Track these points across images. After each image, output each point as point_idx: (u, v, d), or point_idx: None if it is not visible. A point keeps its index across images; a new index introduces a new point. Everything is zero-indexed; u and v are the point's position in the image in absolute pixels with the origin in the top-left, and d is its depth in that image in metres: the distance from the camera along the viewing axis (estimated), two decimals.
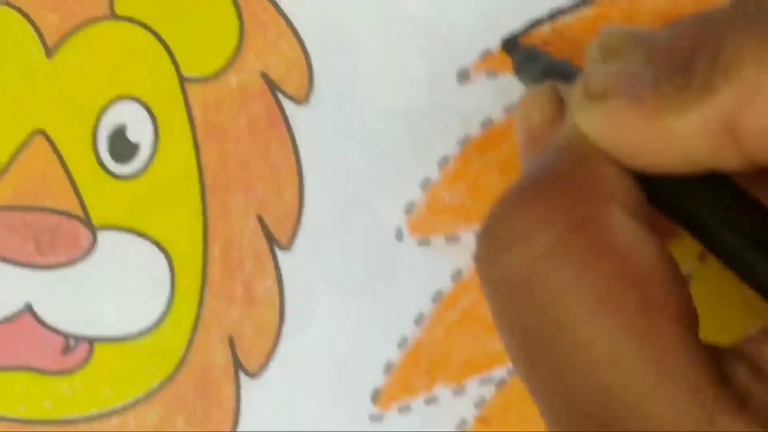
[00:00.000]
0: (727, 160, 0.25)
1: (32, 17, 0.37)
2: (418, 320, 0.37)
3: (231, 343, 0.37)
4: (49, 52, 0.37)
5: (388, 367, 0.37)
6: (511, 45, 0.36)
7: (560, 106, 0.29)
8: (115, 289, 0.37)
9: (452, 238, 0.37)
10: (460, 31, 0.37)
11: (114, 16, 0.37)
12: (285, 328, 0.37)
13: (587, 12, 0.37)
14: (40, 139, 0.37)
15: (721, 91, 0.24)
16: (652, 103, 0.25)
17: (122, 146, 0.37)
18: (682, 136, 0.25)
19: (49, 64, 0.37)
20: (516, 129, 0.30)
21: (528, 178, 0.26)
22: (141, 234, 0.37)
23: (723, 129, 0.24)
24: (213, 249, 0.37)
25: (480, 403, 0.37)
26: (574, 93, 0.27)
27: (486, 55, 0.37)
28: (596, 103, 0.26)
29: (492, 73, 0.37)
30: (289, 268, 0.37)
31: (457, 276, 0.37)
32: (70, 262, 0.37)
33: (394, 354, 0.37)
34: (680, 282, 0.25)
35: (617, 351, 0.23)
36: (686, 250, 0.36)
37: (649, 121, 0.25)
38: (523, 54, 0.35)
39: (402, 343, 0.37)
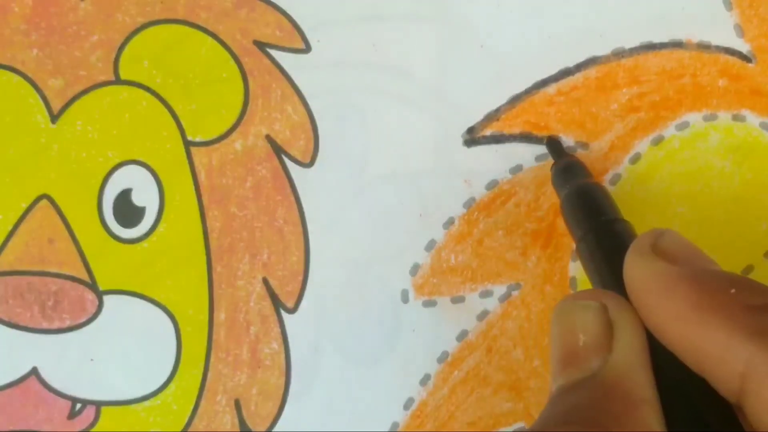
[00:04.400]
0: (724, 385, 0.25)
1: (37, 82, 0.37)
2: (424, 381, 0.37)
3: (237, 406, 0.37)
4: (53, 117, 0.37)
5: (394, 429, 0.37)
6: (554, 148, 0.36)
7: (609, 330, 0.27)
8: (121, 353, 0.37)
9: (457, 299, 0.37)
10: (465, 93, 0.37)
11: (119, 80, 0.37)
12: (291, 391, 0.37)
13: (593, 72, 0.37)
14: (45, 204, 0.37)
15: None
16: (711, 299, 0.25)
17: (128, 210, 0.37)
18: (714, 341, 0.25)
19: (53, 129, 0.37)
20: (552, 337, 0.29)
21: (567, 422, 0.25)
22: (147, 298, 0.37)
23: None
24: (219, 312, 0.37)
25: None
26: (641, 240, 0.28)
27: (492, 118, 0.37)
28: (661, 260, 0.27)
29: (498, 136, 0.37)
30: (295, 330, 0.37)
31: (462, 336, 0.37)
32: (76, 326, 0.37)
33: (399, 415, 0.37)
34: None
35: None
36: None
37: (695, 305, 0.25)
38: (563, 164, 0.35)
39: (407, 404, 0.37)
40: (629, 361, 0.26)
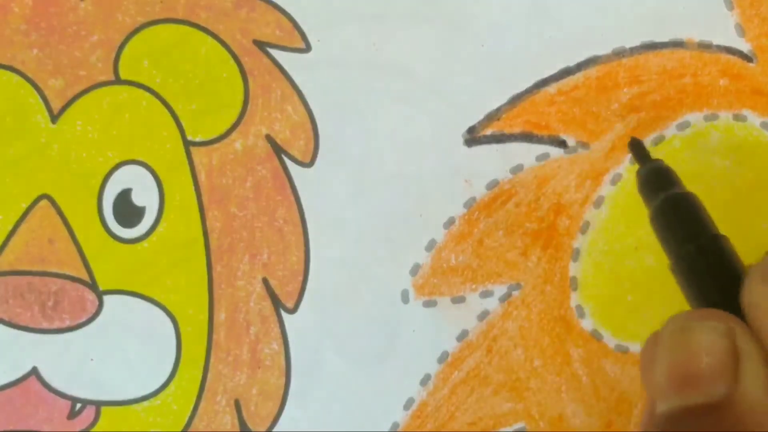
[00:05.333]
0: None
1: (37, 82, 0.37)
2: (424, 381, 0.37)
3: (237, 406, 0.37)
4: (53, 117, 0.37)
5: (394, 429, 0.37)
6: (639, 151, 0.35)
7: (735, 357, 0.25)
8: (122, 353, 0.37)
9: (458, 299, 0.37)
10: (465, 93, 0.37)
11: (119, 80, 0.37)
12: (291, 391, 0.37)
13: (593, 72, 0.37)
14: (45, 204, 0.37)
15: None
16: None
17: (127, 210, 0.37)
18: None
19: (53, 129, 0.37)
20: (663, 352, 0.27)
21: None
22: (147, 298, 0.37)
23: None
24: (219, 312, 0.37)
25: None
26: (764, 266, 0.27)
27: (492, 117, 0.37)
28: None
29: (498, 135, 0.37)
30: (295, 330, 0.37)
31: (462, 336, 0.37)
32: (77, 326, 0.37)
33: (399, 415, 0.37)
34: None
35: None
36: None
37: None
38: (652, 169, 0.34)
39: (408, 404, 0.37)
40: (759, 392, 0.25)
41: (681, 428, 0.25)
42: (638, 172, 0.34)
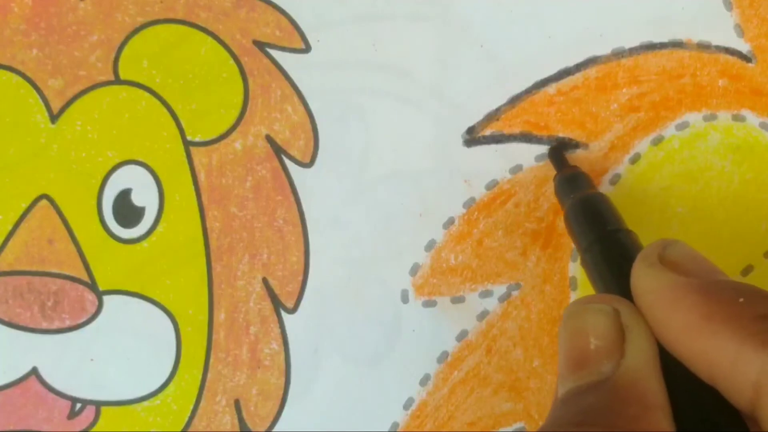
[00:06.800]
0: (736, 395, 0.25)
1: (37, 82, 0.37)
2: (424, 381, 0.37)
3: (237, 406, 0.37)
4: (53, 117, 0.37)
5: (394, 429, 0.37)
6: (557, 158, 0.36)
7: (621, 335, 0.27)
8: (121, 353, 0.37)
9: (457, 299, 0.37)
10: (465, 93, 0.37)
11: (118, 80, 0.37)
12: (291, 391, 0.37)
13: (592, 72, 0.37)
14: (45, 204, 0.37)
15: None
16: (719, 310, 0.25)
17: (127, 210, 0.37)
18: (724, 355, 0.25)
19: (53, 129, 0.37)
20: (561, 339, 0.28)
21: (581, 423, 0.25)
22: (147, 298, 0.37)
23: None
24: (218, 312, 0.37)
25: None
26: (648, 251, 0.28)
27: (492, 117, 0.37)
28: (669, 271, 0.27)
29: (498, 135, 0.37)
30: (295, 330, 0.37)
31: (462, 336, 0.37)
32: (76, 327, 0.37)
33: (399, 415, 0.37)
34: None
35: None
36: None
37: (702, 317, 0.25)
38: (567, 175, 0.35)
39: (407, 404, 0.37)
40: (642, 366, 0.26)
41: (570, 407, 0.26)
42: (554, 178, 0.36)
